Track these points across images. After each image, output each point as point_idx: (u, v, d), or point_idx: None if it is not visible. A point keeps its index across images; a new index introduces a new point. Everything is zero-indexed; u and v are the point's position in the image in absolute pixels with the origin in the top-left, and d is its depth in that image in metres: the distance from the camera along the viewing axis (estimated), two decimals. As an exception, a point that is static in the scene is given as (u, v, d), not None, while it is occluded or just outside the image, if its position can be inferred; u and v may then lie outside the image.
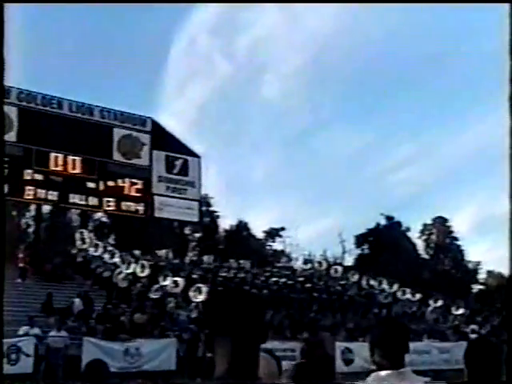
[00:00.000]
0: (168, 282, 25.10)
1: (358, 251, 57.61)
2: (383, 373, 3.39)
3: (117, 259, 27.21)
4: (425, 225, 60.69)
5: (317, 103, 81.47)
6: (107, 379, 5.04)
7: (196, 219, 33.12)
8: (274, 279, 30.21)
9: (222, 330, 2.12)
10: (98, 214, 40.00)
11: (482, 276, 60.25)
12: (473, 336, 27.48)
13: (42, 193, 27.26)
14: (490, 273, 59.55)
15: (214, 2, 55.39)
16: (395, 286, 32.18)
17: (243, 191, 78.68)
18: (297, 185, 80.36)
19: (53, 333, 19.46)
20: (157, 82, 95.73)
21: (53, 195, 27.55)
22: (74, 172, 28.08)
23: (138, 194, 29.73)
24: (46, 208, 32.96)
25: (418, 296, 32.07)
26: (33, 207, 33.16)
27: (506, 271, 57.76)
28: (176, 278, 25.46)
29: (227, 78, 79.59)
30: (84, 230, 31.03)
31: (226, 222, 55.92)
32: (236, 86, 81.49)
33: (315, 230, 77.90)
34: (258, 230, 57.21)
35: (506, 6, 3.76)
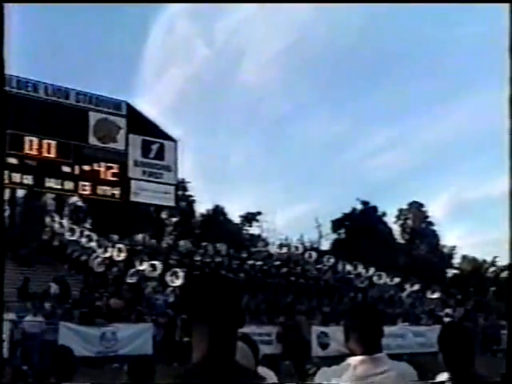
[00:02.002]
0: (145, 266, 25.06)
1: (335, 236, 57.86)
2: (358, 358, 3.40)
3: (93, 243, 27.10)
4: (401, 210, 61.07)
5: (295, 89, 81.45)
6: (73, 365, 4.99)
7: (172, 204, 33.12)
8: (250, 263, 30.27)
9: (199, 315, 2.12)
10: (74, 199, 39.81)
11: (456, 261, 60.90)
12: (447, 320, 27.80)
13: (16, 177, 27.05)
14: (464, 258, 60.18)
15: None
16: (371, 271, 32.38)
17: (221, 176, 78.46)
18: (274, 170, 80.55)
19: (29, 318, 19.34)
20: (135, 66, 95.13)
21: (28, 179, 27.37)
22: (49, 156, 27.87)
23: (114, 178, 29.62)
24: (21, 192, 32.64)
25: (394, 280, 32.31)
26: (7, 191, 32.84)
27: (480, 256, 58.60)
28: (153, 262, 25.41)
29: (206, 63, 79.27)
30: (59, 215, 30.84)
31: (202, 207, 55.91)
32: (215, 72, 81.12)
33: (292, 215, 78.24)
34: (235, 215, 57.29)
35: (506, 6, 3.76)
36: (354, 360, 3.42)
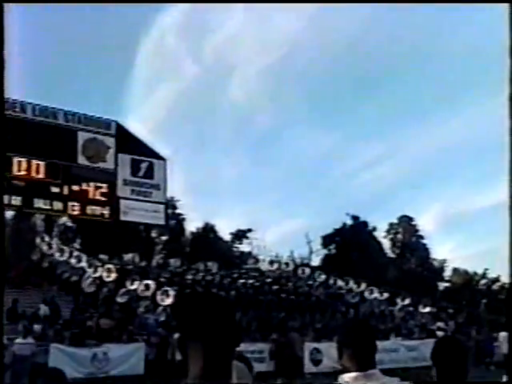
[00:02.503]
0: (135, 285, 24.95)
1: (325, 251, 57.85)
2: (351, 375, 3.37)
3: (83, 264, 26.98)
4: (391, 224, 61.18)
5: (283, 105, 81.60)
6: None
7: (162, 222, 32.95)
8: (242, 281, 30.22)
9: (193, 334, 2.10)
10: (63, 219, 39.66)
11: (447, 274, 60.96)
12: (439, 333, 27.77)
13: (5, 198, 26.86)
14: (455, 270, 60.25)
15: (182, 1, 55.02)
16: (362, 286, 32.37)
17: (210, 194, 78.52)
18: (263, 186, 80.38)
19: (19, 340, 19.19)
20: (124, 85, 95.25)
21: (16, 200, 27.17)
22: (38, 176, 27.74)
23: (103, 198, 29.46)
24: (10, 213, 32.50)
25: (385, 295, 32.30)
26: (-4, 213, 32.70)
27: (470, 268, 58.69)
28: (143, 282, 25.31)
29: (194, 80, 79.52)
30: (49, 235, 30.70)
31: (192, 225, 55.85)
32: (203, 88, 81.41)
33: (282, 232, 78.16)
34: (225, 233, 57.25)
35: (506, 5, 3.78)
36: (347, 377, 3.39)
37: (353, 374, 3.37)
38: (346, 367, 3.44)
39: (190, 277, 29.18)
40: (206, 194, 77.62)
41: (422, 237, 60.81)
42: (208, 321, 2.09)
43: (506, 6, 3.68)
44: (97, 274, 25.79)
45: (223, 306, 2.17)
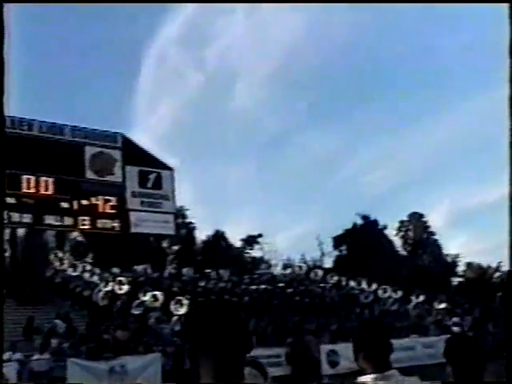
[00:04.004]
0: (148, 297, 25.00)
1: (337, 253, 57.80)
2: (370, 376, 3.38)
3: (96, 278, 27.09)
4: (401, 222, 61.06)
5: (288, 109, 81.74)
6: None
7: (172, 232, 33.04)
8: (254, 286, 30.21)
9: (204, 344, 2.13)
10: (74, 234, 39.79)
11: (461, 269, 60.75)
12: (455, 329, 27.70)
13: (15, 216, 26.99)
14: (469, 265, 60.04)
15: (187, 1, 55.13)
16: (375, 285, 32.32)
17: (219, 201, 78.63)
18: (272, 191, 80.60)
19: (36, 356, 19.27)
20: (128, 98, 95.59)
21: (27, 217, 27.30)
22: (47, 193, 27.87)
23: (112, 211, 29.56)
24: (21, 231, 32.60)
25: (399, 293, 32.24)
26: (7, 231, 32.83)
27: (484, 262, 58.49)
28: (156, 292, 25.36)
29: (198, 90, 79.71)
30: (61, 251, 30.81)
31: (203, 233, 55.91)
32: (207, 97, 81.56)
33: (293, 235, 78.20)
34: (236, 239, 57.27)
35: (506, 6, 3.80)
36: (365, 378, 3.40)
37: (371, 376, 3.38)
38: (362, 368, 3.46)
39: (202, 285, 29.19)
40: (215, 201, 77.88)
41: (433, 233, 60.67)
42: (218, 332, 2.11)
43: (506, 6, 3.70)
44: (109, 288, 25.85)
45: (233, 315, 2.20)
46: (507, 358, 3.49)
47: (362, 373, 3.43)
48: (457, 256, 60.42)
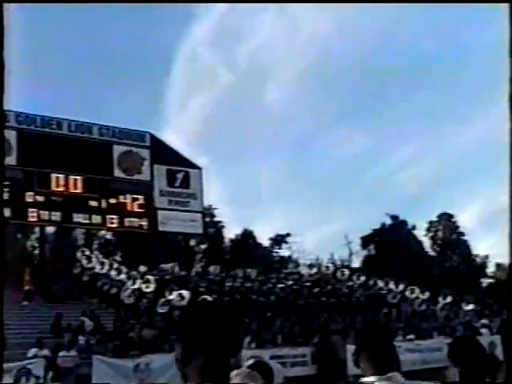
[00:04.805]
0: (174, 295, 25.11)
1: (365, 252, 57.56)
2: (371, 378, 3.38)
3: (123, 276, 27.28)
4: (430, 222, 60.57)
5: (319, 108, 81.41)
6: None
7: (200, 231, 33.12)
8: (281, 285, 30.19)
9: (195, 345, 2.15)
10: (103, 232, 40.13)
11: (490, 270, 60.13)
12: (484, 331, 27.48)
13: (45, 214, 27.28)
14: (498, 266, 59.38)
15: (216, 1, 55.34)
16: (402, 285, 32.12)
17: (248, 200, 78.70)
18: (301, 190, 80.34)
19: (62, 353, 19.48)
20: (160, 97, 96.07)
21: (56, 216, 27.58)
22: (76, 191, 28.13)
23: (140, 210, 29.75)
24: (50, 229, 32.97)
25: (426, 294, 32.01)
26: (37, 229, 33.20)
27: (514, 263, 57.75)
28: (182, 291, 25.45)
29: (229, 89, 79.82)
30: (89, 249, 31.07)
31: (231, 232, 56.00)
32: (238, 96, 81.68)
33: (322, 235, 77.98)
34: (264, 238, 57.26)
35: (506, 6, 3.78)
36: (370, 379, 3.40)
37: (372, 378, 3.38)
38: (363, 370, 3.47)
39: (228, 284, 29.23)
40: (245, 200, 77.91)
41: (462, 234, 60.07)
42: (208, 333, 2.14)
43: (506, 6, 3.68)
44: (135, 286, 26.03)
45: (223, 316, 2.22)
46: (507, 357, 3.47)
47: (364, 375, 3.43)
48: (486, 257, 59.82)
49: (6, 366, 16.80)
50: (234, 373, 3.15)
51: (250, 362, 3.77)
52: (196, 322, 2.17)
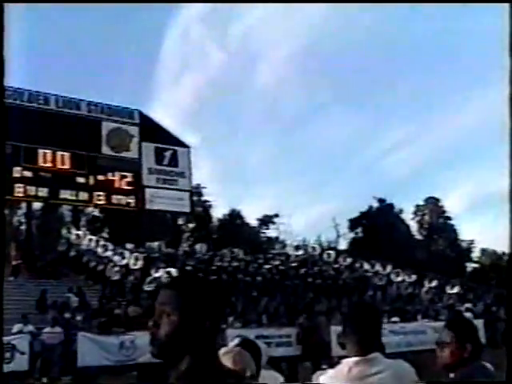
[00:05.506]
0: (160, 273, 25.09)
1: (352, 235, 57.76)
2: (353, 359, 3.38)
3: (109, 253, 27.22)
4: (417, 206, 60.86)
5: (310, 90, 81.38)
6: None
7: (188, 210, 33.08)
8: (268, 266, 30.26)
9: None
10: (90, 209, 40.02)
11: (476, 255, 60.53)
12: (467, 314, 27.64)
13: (31, 190, 27.16)
14: (483, 251, 59.83)
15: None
16: (389, 268, 32.26)
17: (237, 180, 78.83)
18: (290, 172, 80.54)
19: (47, 329, 19.45)
20: (150, 74, 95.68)
21: (43, 192, 27.45)
22: (64, 167, 27.99)
23: (128, 187, 29.67)
24: (37, 205, 32.86)
25: (412, 277, 32.16)
26: (24, 205, 33.08)
27: (499, 249, 58.22)
28: (170, 269, 25.43)
29: (221, 68, 79.57)
30: (75, 226, 30.99)
31: (219, 212, 56.02)
32: (230, 75, 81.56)
33: (309, 217, 78.21)
34: (252, 218, 57.34)
35: (506, 5, 3.75)
36: (348, 362, 3.40)
37: (354, 359, 3.38)
38: (348, 351, 3.47)
39: (216, 263, 29.27)
40: (233, 180, 78.00)
41: (449, 218, 60.41)
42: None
43: (506, 6, 3.65)
44: (123, 262, 25.98)
45: (206, 287, 2.21)
46: (507, 357, 3.48)
47: (347, 356, 3.43)
48: (472, 242, 60.20)
49: (-10, 340, 16.85)
50: (222, 351, 3.14)
51: (237, 340, 3.75)
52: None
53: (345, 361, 3.42)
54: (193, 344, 2.11)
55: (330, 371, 3.49)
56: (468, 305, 29.20)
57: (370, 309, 3.67)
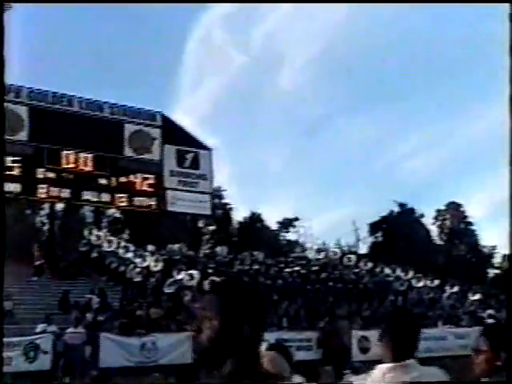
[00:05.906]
0: (182, 275, 25.13)
1: (372, 239, 57.49)
2: (387, 365, 3.38)
3: (130, 254, 27.31)
4: (438, 211, 60.39)
5: (331, 94, 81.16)
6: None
7: (208, 212, 33.15)
8: (288, 270, 30.20)
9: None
10: (112, 210, 40.20)
11: (497, 260, 59.96)
12: (490, 321, 27.43)
13: (54, 191, 27.37)
14: (505, 257, 59.23)
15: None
16: (410, 273, 32.10)
17: (257, 183, 78.59)
18: (311, 175, 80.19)
19: (70, 329, 19.56)
20: (173, 77, 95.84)
21: (65, 193, 27.66)
22: (86, 169, 28.17)
23: (150, 189, 29.80)
24: (60, 206, 33.05)
25: (433, 282, 31.97)
26: (46, 205, 33.28)
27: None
28: (190, 271, 25.48)
29: (242, 71, 79.62)
30: (97, 227, 31.11)
31: (239, 215, 55.96)
32: (251, 79, 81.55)
33: (329, 220, 77.92)
34: (272, 221, 57.20)
35: (506, 5, 3.75)
36: (383, 367, 3.41)
37: (389, 365, 3.38)
38: (383, 356, 3.47)
39: (236, 266, 29.27)
40: (253, 183, 77.90)
41: (470, 223, 59.86)
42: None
43: (506, 6, 3.65)
44: (144, 264, 26.06)
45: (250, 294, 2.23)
46: (507, 356, 3.44)
47: (383, 361, 3.44)
48: (494, 247, 59.63)
49: (15, 339, 17.02)
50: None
51: (265, 344, 3.76)
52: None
53: (379, 366, 3.42)
54: (235, 348, 2.13)
55: (363, 376, 3.50)
56: (490, 311, 28.98)
57: (409, 315, 3.67)
